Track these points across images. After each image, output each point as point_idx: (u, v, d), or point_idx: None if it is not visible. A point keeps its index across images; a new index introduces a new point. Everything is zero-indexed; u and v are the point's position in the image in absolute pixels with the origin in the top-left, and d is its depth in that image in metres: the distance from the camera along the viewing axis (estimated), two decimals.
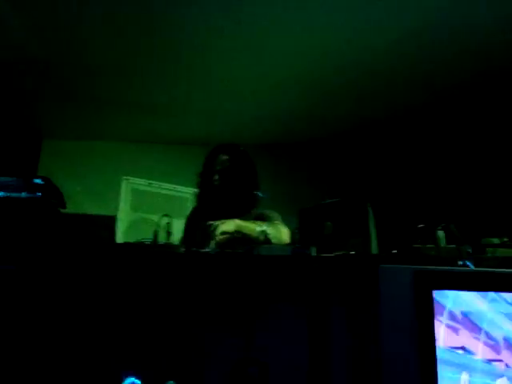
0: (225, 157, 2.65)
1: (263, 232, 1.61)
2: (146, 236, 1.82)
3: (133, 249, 1.58)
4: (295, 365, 1.70)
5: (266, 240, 1.65)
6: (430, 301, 1.34)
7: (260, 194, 2.58)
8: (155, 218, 5.08)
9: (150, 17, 3.71)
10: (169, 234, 1.82)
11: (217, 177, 2.58)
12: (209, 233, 1.97)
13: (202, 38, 4.00)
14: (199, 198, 2.71)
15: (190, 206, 3.26)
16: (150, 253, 1.52)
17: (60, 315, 1.69)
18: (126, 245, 1.63)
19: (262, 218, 2.44)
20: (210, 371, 1.61)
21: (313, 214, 1.80)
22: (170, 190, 5.63)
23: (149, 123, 5.65)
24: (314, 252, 1.45)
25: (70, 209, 1.94)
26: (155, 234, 1.77)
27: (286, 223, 2.44)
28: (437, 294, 1.36)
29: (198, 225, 2.18)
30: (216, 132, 5.48)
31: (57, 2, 3.56)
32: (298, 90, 4.83)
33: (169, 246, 1.64)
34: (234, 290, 1.73)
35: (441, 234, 1.72)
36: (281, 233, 2.29)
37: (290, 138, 5.95)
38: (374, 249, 1.68)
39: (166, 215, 1.83)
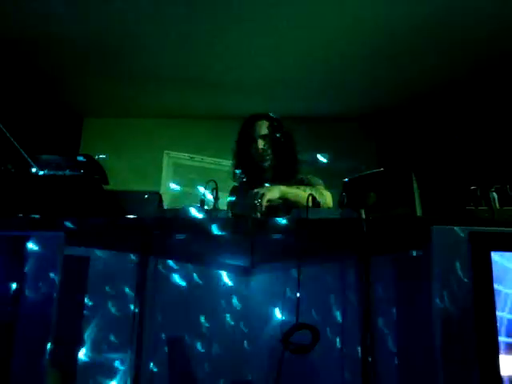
0: (265, 122, 2.64)
1: (310, 196, 1.57)
2: None
3: (179, 213, 1.57)
4: (345, 329, 1.68)
5: (314, 204, 1.61)
6: (489, 263, 1.29)
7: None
8: (198, 191, 5.14)
9: None
10: (216, 199, 1.80)
11: (262, 143, 2.58)
12: (254, 200, 1.94)
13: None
14: (239, 166, 2.71)
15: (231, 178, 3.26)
16: (197, 218, 1.50)
17: None
18: (172, 210, 1.62)
19: (304, 184, 2.45)
20: (260, 336, 1.60)
21: (356, 184, 1.76)
22: (212, 163, 5.64)
23: (188, 98, 5.64)
24: (363, 215, 1.40)
25: (113, 186, 1.96)
26: (202, 200, 1.76)
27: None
28: (495, 256, 1.30)
29: (242, 193, 2.17)
30: (252, 105, 5.43)
31: None
32: (347, 58, 4.74)
33: (216, 211, 1.62)
34: (281, 256, 1.71)
35: (495, 195, 1.65)
36: (325, 197, 2.29)
37: (330, 111, 5.85)
38: None
39: (212, 180, 1.81)
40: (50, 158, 1.88)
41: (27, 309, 1.43)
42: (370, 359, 1.58)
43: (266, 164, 2.58)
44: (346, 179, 1.76)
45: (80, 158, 1.89)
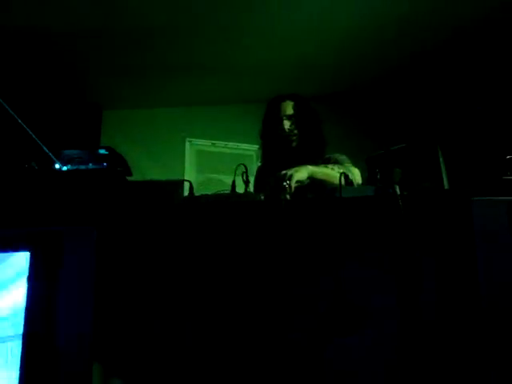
0: (290, 103, 2.60)
1: (343, 174, 1.52)
2: None
3: (212, 199, 1.55)
4: (384, 312, 1.63)
5: (347, 183, 1.56)
6: None
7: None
8: (222, 177, 5.12)
9: None
10: (246, 183, 1.77)
11: (288, 123, 2.55)
12: (283, 181, 1.89)
13: None
14: (266, 147, 2.67)
15: (255, 162, 3.23)
16: (229, 203, 1.48)
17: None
18: (204, 196, 1.59)
19: (331, 162, 2.40)
20: (297, 321, 1.56)
21: (380, 161, 1.71)
22: (235, 148, 5.60)
23: (206, 84, 5.57)
24: (398, 190, 1.35)
25: (137, 176, 1.95)
26: (233, 184, 1.74)
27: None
28: None
29: (269, 175, 2.12)
30: (273, 88, 5.37)
31: None
32: (346, 31, 4.59)
33: (248, 195, 1.60)
34: (317, 237, 1.66)
35: None
36: (354, 174, 2.23)
37: (342, 86, 5.73)
38: None
39: (241, 164, 1.79)
40: (72, 153, 1.88)
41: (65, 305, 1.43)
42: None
43: (293, 144, 2.53)
44: (370, 156, 1.72)
45: (102, 151, 1.88)
